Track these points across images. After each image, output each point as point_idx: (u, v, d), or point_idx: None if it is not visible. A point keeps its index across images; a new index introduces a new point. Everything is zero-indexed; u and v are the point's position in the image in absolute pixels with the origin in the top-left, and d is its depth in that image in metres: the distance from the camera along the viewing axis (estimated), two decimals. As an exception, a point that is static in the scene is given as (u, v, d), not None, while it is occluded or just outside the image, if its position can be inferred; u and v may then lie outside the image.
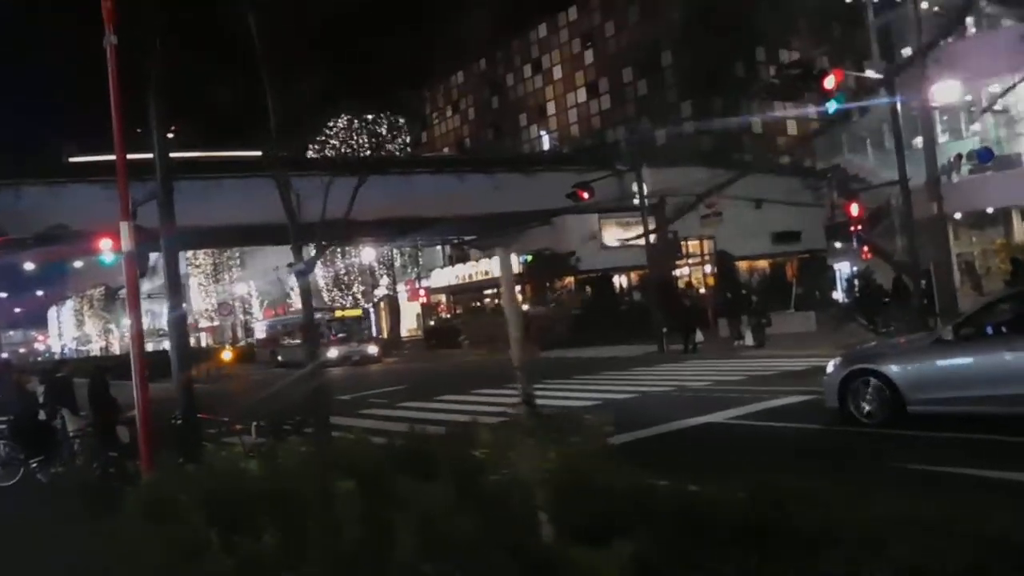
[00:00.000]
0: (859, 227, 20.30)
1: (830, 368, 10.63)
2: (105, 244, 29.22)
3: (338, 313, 36.86)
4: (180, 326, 10.73)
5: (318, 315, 39.83)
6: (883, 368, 9.73)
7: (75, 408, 11.84)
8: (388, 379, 25.42)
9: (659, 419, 11.73)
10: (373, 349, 35.20)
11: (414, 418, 14.81)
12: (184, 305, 10.96)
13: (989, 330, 9.39)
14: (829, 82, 16.54)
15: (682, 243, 30.51)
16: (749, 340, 24.13)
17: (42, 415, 11.72)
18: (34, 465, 11.06)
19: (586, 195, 28.58)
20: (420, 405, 17.56)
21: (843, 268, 30.60)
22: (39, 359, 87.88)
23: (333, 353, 32.92)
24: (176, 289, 10.65)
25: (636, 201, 28.30)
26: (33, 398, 11.84)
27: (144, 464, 5.10)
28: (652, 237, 41.00)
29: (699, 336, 25.52)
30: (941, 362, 9.43)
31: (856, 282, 25.03)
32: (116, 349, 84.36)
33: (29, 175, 32.18)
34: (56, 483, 10.97)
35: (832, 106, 16.97)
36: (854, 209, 19.78)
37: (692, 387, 15.95)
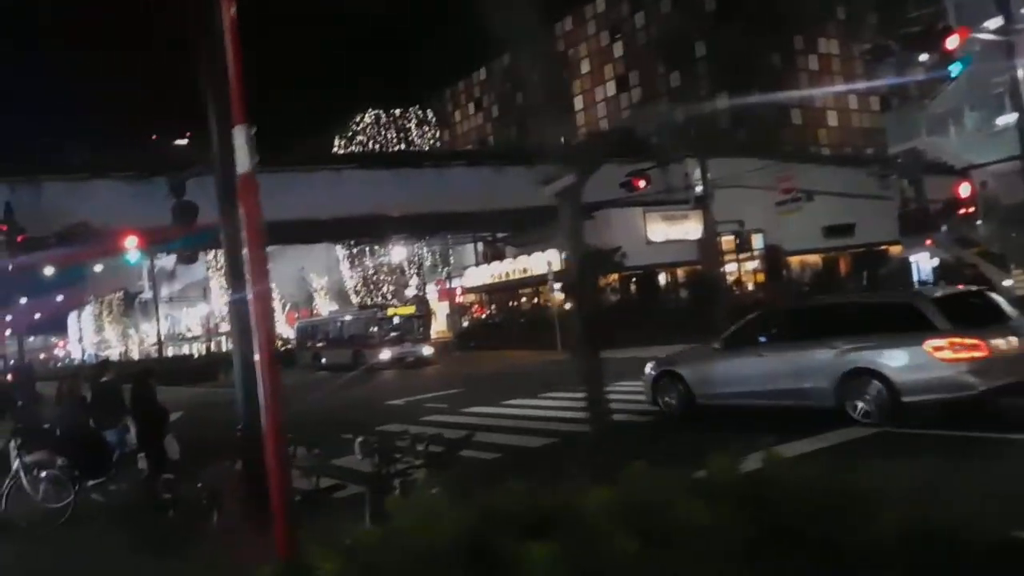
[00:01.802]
0: (970, 210, 18.21)
1: (647, 369, 13.00)
2: (130, 242, 27.58)
3: (391, 311, 34.80)
4: (244, 322, 8.88)
5: (356, 314, 38.29)
6: (680, 370, 12.32)
7: (121, 418, 10.07)
8: (441, 382, 23.57)
9: (811, 427, 9.74)
10: (428, 350, 33.09)
11: (488, 424, 12.90)
12: (247, 298, 8.99)
13: (761, 339, 11.58)
14: (952, 42, 14.58)
15: (750, 237, 28.22)
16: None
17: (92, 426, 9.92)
18: (90, 485, 9.26)
19: (642, 183, 26.68)
20: (488, 411, 15.64)
21: (920, 260, 28.43)
22: (58, 364, 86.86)
23: (386, 354, 30.96)
24: (238, 277, 8.77)
25: (699, 189, 26.29)
26: (85, 408, 10.01)
27: (278, 532, 3.13)
28: (701, 231, 39.28)
29: (774, 332, 23.45)
30: (714, 365, 11.89)
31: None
32: (135, 354, 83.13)
33: (49, 171, 30.56)
34: (112, 507, 9.19)
35: (956, 69, 15.02)
36: (964, 190, 17.65)
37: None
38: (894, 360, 9.67)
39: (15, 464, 9.12)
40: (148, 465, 9.36)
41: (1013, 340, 9.66)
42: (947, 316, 9.69)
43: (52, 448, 9.87)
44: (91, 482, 9.58)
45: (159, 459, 9.28)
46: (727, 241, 38.34)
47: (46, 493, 9.35)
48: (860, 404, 9.90)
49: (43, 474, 9.21)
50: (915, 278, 28.95)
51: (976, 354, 9.24)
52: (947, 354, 9.34)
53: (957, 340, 9.33)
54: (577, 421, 12.95)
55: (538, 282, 38.10)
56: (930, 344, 9.46)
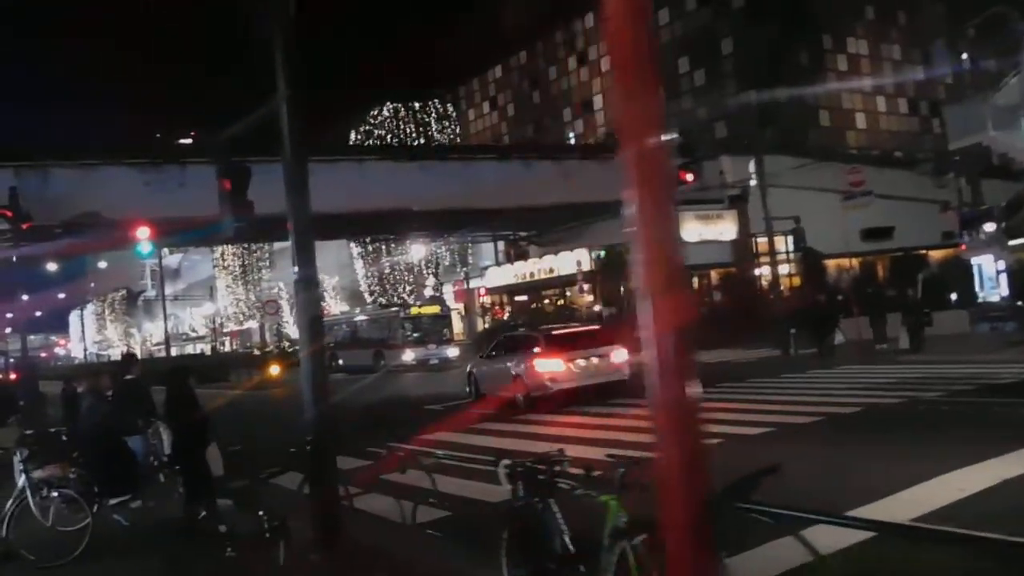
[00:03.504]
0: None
1: (468, 367, 18.72)
2: (142, 233, 25.74)
3: (414, 310, 32.97)
4: (315, 318, 7.13)
5: (378, 313, 36.54)
6: (473, 369, 18.31)
7: (149, 422, 8.36)
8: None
9: (992, 447, 7.99)
10: (453, 351, 31.27)
11: (569, 436, 10.87)
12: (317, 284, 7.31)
13: (497, 353, 17.80)
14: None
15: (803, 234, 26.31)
16: (904, 343, 20.29)
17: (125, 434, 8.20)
18: (111, 504, 7.51)
19: (690, 177, 24.86)
20: (553, 419, 13.84)
21: (984, 263, 26.63)
22: (59, 363, 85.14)
23: (409, 356, 29.18)
24: (308, 262, 7.05)
25: (753, 183, 24.57)
26: (105, 410, 8.22)
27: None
28: (735, 232, 37.56)
29: (839, 338, 21.73)
30: (482, 368, 17.98)
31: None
32: (139, 355, 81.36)
33: (56, 156, 28.81)
34: (139, 531, 7.43)
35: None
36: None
37: (926, 399, 12.21)
38: (524, 370, 15.89)
39: (21, 481, 7.36)
40: (185, 481, 7.60)
41: (594, 360, 15.81)
42: (548, 344, 16.11)
43: (66, 460, 8.12)
44: (112, 500, 7.84)
45: (198, 474, 7.50)
46: (763, 243, 36.67)
47: (58, 515, 7.62)
48: (517, 396, 15.77)
49: (55, 494, 7.45)
50: (977, 283, 27.07)
51: (556, 369, 15.58)
52: (541, 368, 15.64)
53: (544, 360, 15.71)
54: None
55: (565, 282, 36.39)
56: (535, 362, 15.81)
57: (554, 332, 17.09)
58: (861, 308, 21.34)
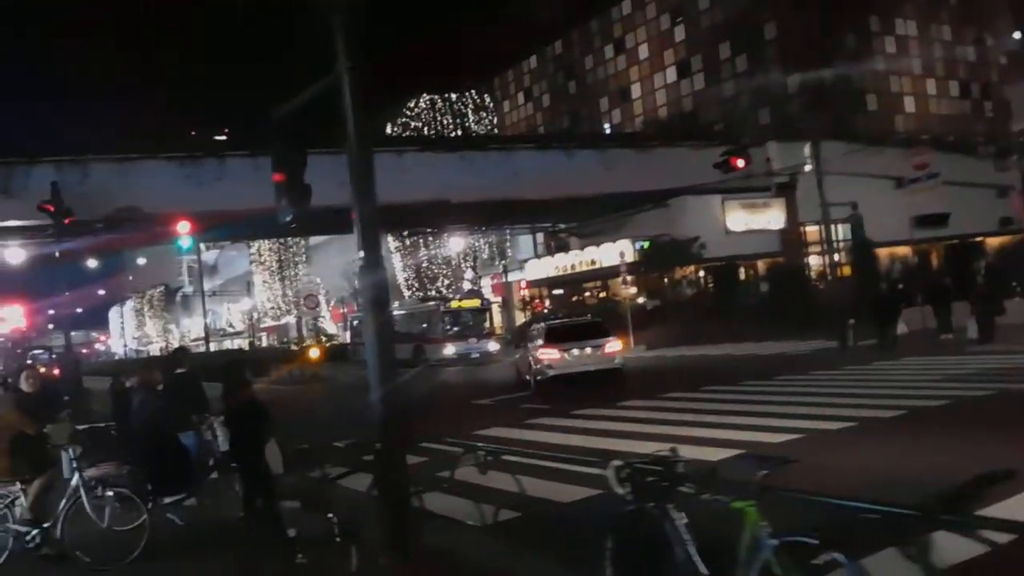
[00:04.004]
0: None
1: (516, 353, 21.48)
2: (183, 227, 25.54)
3: (454, 303, 32.58)
4: (382, 305, 6.64)
5: (418, 307, 36.20)
6: (515, 358, 21.59)
7: (202, 418, 7.98)
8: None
9: None
10: (494, 346, 30.86)
11: (624, 431, 10.29)
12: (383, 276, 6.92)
13: (526, 342, 20.15)
14: None
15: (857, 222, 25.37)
16: (973, 332, 19.31)
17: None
18: (166, 503, 7.14)
19: (741, 163, 24.00)
20: (608, 413, 13.24)
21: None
22: (99, 359, 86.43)
23: (449, 350, 28.82)
24: (374, 245, 6.58)
25: (808, 167, 23.65)
26: (160, 406, 7.84)
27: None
28: (782, 221, 36.52)
29: (901, 328, 20.80)
30: (515, 356, 21.27)
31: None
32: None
33: (96, 151, 28.81)
34: (196, 532, 7.04)
35: None
36: None
37: (1015, 391, 11.42)
38: (532, 356, 18.41)
39: (74, 480, 6.99)
40: (243, 480, 7.16)
41: (588, 350, 17.86)
42: (548, 335, 18.34)
43: (118, 457, 7.76)
44: (167, 499, 7.45)
45: (257, 472, 7.04)
46: (812, 232, 35.60)
47: (113, 515, 7.24)
48: (528, 378, 18.75)
49: (109, 492, 7.07)
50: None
51: (553, 356, 17.81)
52: (541, 355, 17.99)
53: (544, 349, 18.00)
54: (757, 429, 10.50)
55: (607, 274, 35.67)
56: (539, 351, 18.11)
57: (553, 325, 19.54)
58: (926, 297, 20.41)
